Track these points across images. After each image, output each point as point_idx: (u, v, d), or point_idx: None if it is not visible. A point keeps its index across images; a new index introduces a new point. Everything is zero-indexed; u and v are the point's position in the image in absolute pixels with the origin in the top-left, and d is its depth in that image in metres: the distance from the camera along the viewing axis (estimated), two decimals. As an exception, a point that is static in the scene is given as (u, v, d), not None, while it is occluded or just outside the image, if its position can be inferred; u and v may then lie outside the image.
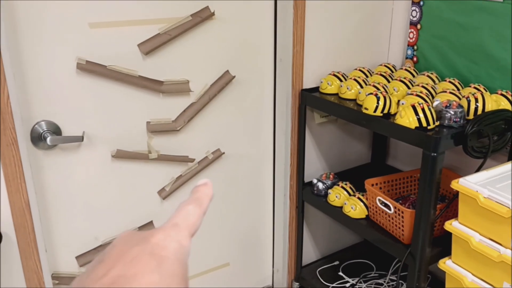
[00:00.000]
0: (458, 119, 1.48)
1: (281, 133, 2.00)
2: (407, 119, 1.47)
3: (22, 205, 1.48)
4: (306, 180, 2.04)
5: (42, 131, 1.53)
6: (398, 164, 2.22)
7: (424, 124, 1.45)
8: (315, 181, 1.98)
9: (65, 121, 1.57)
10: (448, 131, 1.47)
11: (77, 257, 1.73)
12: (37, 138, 1.53)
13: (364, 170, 2.16)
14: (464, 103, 1.56)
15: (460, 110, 1.49)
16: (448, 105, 1.49)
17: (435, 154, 1.41)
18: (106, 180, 1.71)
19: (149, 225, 1.85)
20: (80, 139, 1.56)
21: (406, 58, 2.02)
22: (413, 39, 1.97)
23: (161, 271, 0.32)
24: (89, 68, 1.55)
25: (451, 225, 1.45)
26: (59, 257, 1.71)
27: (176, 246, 0.35)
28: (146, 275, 0.31)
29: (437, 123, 1.49)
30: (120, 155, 1.69)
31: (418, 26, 1.94)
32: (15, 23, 1.41)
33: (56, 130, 1.55)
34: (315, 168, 2.11)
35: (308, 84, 1.92)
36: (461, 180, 1.41)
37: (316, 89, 1.91)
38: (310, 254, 2.27)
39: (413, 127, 1.46)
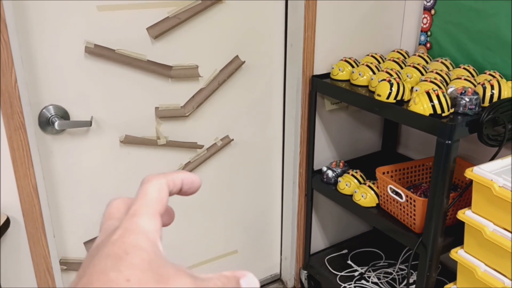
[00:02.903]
0: (473, 106, 1.45)
1: (290, 120, 1.98)
2: (421, 106, 1.44)
3: (30, 190, 1.47)
4: (316, 168, 2.02)
5: (50, 116, 1.51)
6: (409, 152, 2.19)
7: (439, 111, 1.42)
8: (324, 169, 1.95)
9: (73, 105, 1.55)
10: (463, 118, 1.44)
11: (85, 243, 1.73)
12: (45, 123, 1.51)
13: (375, 158, 2.13)
14: (479, 90, 1.52)
15: (475, 97, 1.45)
16: (463, 92, 1.46)
17: (449, 142, 1.38)
18: (114, 165, 1.69)
19: (157, 211, 1.84)
20: (89, 124, 1.55)
21: (419, 44, 1.98)
22: (427, 24, 1.93)
23: (119, 267, 0.30)
24: (98, 52, 1.52)
25: (464, 214, 1.42)
26: (67, 243, 1.70)
27: (135, 238, 0.32)
28: (102, 276, 0.29)
29: (451, 110, 1.46)
30: (129, 140, 1.68)
31: (432, 12, 1.90)
32: (23, 6, 1.39)
33: (64, 115, 1.53)
34: (325, 155, 2.08)
35: (319, 70, 1.89)
36: (475, 168, 1.38)
37: (327, 75, 1.87)
38: (318, 242, 2.26)
39: (427, 114, 1.43)
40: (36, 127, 1.51)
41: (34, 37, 1.43)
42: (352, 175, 1.86)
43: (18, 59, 1.37)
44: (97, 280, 0.29)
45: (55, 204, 1.63)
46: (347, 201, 1.84)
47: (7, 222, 1.45)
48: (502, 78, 1.63)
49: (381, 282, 2.00)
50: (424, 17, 1.93)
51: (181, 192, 0.39)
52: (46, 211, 1.55)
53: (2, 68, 1.32)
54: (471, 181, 1.42)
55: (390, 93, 1.54)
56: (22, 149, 1.42)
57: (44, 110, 1.51)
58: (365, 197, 1.76)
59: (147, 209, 0.34)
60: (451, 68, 1.76)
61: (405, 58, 1.89)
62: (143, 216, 0.34)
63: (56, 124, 1.48)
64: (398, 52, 1.91)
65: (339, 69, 1.81)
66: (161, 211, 0.35)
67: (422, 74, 1.68)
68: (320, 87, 1.85)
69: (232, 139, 1.92)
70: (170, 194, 0.37)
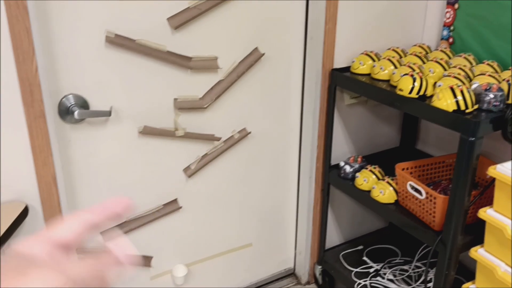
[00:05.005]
0: (498, 103, 1.42)
1: (309, 113, 1.96)
2: (445, 102, 1.41)
3: (49, 179, 1.48)
4: (333, 162, 2.00)
5: (69, 105, 1.51)
6: (428, 148, 2.16)
7: (463, 107, 1.39)
8: (342, 163, 1.94)
9: (92, 95, 1.55)
10: (487, 115, 1.41)
11: (101, 233, 1.73)
12: (64, 112, 1.52)
13: (393, 154, 2.11)
14: (504, 86, 1.49)
15: (500, 93, 1.42)
16: (488, 88, 1.43)
17: (473, 138, 1.35)
18: (132, 156, 1.69)
19: (173, 202, 1.84)
20: (108, 113, 1.54)
21: (442, 39, 1.95)
22: (450, 19, 1.89)
23: None
24: (118, 41, 1.52)
25: (486, 213, 1.40)
26: (84, 232, 1.70)
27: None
28: None
29: (475, 107, 1.43)
30: (147, 131, 1.67)
31: (456, 6, 1.86)
32: (44, -7, 1.38)
33: (83, 104, 1.53)
34: (342, 150, 2.06)
35: (339, 63, 1.87)
36: (498, 166, 1.35)
37: (347, 68, 1.85)
38: (333, 237, 2.24)
39: (450, 110, 1.40)
40: (56, 116, 1.51)
41: (55, 26, 1.43)
42: (370, 170, 1.83)
43: (39, 47, 1.36)
44: None
45: (73, 194, 1.64)
46: (364, 197, 1.82)
47: (26, 210, 1.45)
48: (527, 74, 1.60)
49: (396, 279, 1.99)
50: (447, 11, 1.90)
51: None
52: (64, 200, 1.56)
53: (24, 55, 1.32)
54: (493, 179, 1.39)
55: (412, 88, 1.52)
56: (42, 138, 1.42)
57: (64, 99, 1.50)
58: (384, 193, 1.74)
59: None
60: (474, 63, 1.72)
61: (427, 53, 1.86)
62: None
63: (75, 113, 1.48)
64: (420, 46, 1.88)
65: (360, 63, 1.79)
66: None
67: (445, 70, 1.65)
68: (340, 81, 1.82)
69: (250, 132, 1.91)
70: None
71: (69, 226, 0.37)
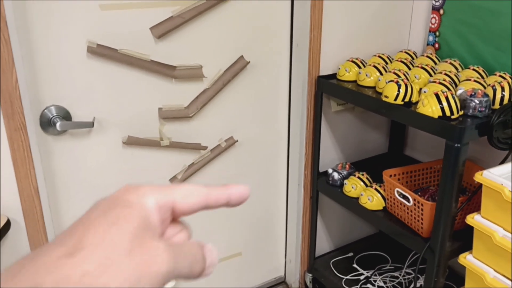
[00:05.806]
0: (483, 109, 1.42)
1: (296, 121, 1.95)
2: (430, 108, 1.40)
3: (31, 191, 1.45)
4: (321, 169, 1.99)
5: (51, 116, 1.49)
6: (416, 154, 2.16)
7: (448, 113, 1.39)
8: (330, 171, 1.92)
9: (75, 106, 1.53)
10: (473, 121, 1.40)
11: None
12: (46, 123, 1.49)
13: (381, 160, 2.10)
14: (489, 92, 1.49)
15: (485, 99, 1.42)
16: (473, 93, 1.43)
17: (459, 145, 1.34)
18: (116, 166, 1.67)
19: (160, 213, 1.82)
20: (91, 124, 1.52)
21: (427, 44, 1.95)
22: (435, 24, 1.89)
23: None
24: (100, 51, 1.50)
25: (473, 219, 1.39)
26: (69, 245, 1.68)
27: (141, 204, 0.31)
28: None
29: (461, 113, 1.43)
30: (131, 141, 1.65)
31: (441, 11, 1.86)
32: (24, 4, 1.37)
33: (66, 115, 1.51)
34: (331, 157, 2.05)
35: (325, 70, 1.86)
36: (485, 172, 1.35)
37: (333, 75, 1.84)
38: (323, 245, 2.23)
39: (436, 116, 1.40)
40: (37, 128, 1.49)
41: (36, 36, 1.41)
42: (358, 177, 1.82)
43: (18, 59, 1.34)
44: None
45: (56, 206, 1.61)
46: (353, 204, 1.81)
47: (8, 223, 1.43)
48: (512, 79, 1.60)
49: (387, 286, 1.97)
50: (433, 17, 1.90)
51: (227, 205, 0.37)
52: (47, 212, 1.53)
53: (3, 67, 1.30)
54: (480, 185, 1.39)
55: (397, 95, 1.51)
56: (23, 150, 1.40)
57: (45, 110, 1.48)
58: (372, 200, 1.73)
59: (175, 197, 0.33)
60: (460, 69, 1.72)
61: (413, 58, 1.85)
62: (164, 196, 0.33)
63: (57, 125, 1.45)
64: (405, 52, 1.88)
65: (346, 70, 1.78)
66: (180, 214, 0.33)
67: (431, 75, 1.65)
68: (326, 88, 1.81)
69: (237, 140, 1.90)
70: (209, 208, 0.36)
71: (192, 193, 0.34)
